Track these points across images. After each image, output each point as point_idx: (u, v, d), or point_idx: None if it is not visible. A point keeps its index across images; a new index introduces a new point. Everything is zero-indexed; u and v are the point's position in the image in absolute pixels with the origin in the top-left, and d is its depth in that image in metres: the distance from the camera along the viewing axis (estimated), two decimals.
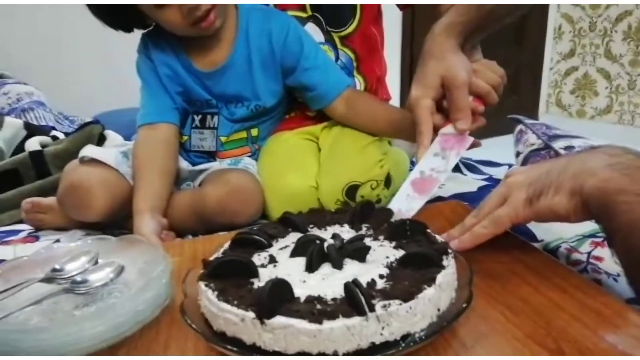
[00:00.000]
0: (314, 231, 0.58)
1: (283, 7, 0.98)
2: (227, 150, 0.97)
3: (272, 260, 0.51)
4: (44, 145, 1.19)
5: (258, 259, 0.51)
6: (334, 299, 0.42)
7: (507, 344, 0.44)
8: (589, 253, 0.67)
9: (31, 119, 1.45)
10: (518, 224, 0.56)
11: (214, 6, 0.82)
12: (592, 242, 0.69)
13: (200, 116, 0.96)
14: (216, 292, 0.44)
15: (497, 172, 1.16)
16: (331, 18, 1.00)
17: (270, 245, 0.55)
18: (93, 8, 0.84)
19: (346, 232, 0.57)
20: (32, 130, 1.28)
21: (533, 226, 0.73)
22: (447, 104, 0.73)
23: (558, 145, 0.88)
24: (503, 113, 1.16)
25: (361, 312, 0.39)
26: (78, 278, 0.54)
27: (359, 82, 1.05)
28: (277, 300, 0.41)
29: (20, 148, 1.22)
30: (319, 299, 0.41)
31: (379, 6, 1.07)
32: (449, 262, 0.48)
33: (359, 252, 0.50)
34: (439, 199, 0.93)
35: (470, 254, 0.53)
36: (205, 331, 0.44)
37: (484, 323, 0.47)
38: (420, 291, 0.42)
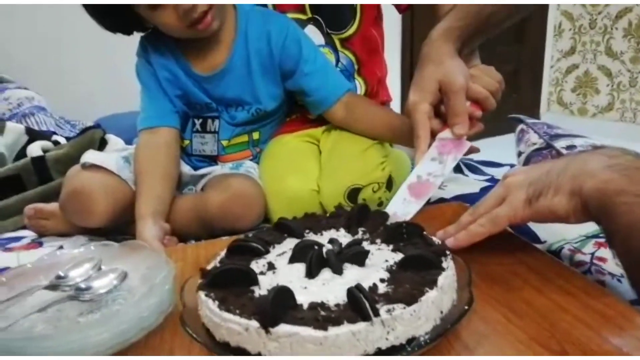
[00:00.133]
0: (310, 236, 0.57)
1: (282, 8, 0.97)
2: (228, 154, 0.97)
3: (271, 267, 0.50)
4: (45, 150, 1.19)
5: (256, 266, 0.51)
6: (337, 305, 0.41)
7: (510, 345, 0.44)
8: (592, 254, 0.67)
9: (32, 124, 1.44)
10: (516, 224, 0.56)
11: (210, 7, 0.81)
12: (595, 243, 0.69)
13: (200, 120, 0.95)
14: (217, 302, 0.43)
15: (499, 173, 1.15)
16: (331, 20, 1.00)
17: (268, 252, 0.54)
18: (90, 10, 0.83)
19: (343, 237, 0.57)
20: (33, 135, 1.28)
21: (536, 227, 0.73)
22: (445, 108, 0.73)
23: (560, 144, 0.88)
24: (504, 112, 1.16)
25: (366, 317, 0.39)
26: (82, 285, 0.54)
27: (360, 85, 1.04)
28: (281, 307, 0.40)
29: (22, 153, 1.22)
30: (322, 305, 0.41)
31: (378, 8, 1.07)
32: (449, 264, 0.48)
33: (358, 257, 0.49)
34: (440, 200, 0.93)
35: (472, 255, 0.53)
36: (207, 342, 0.43)
37: (485, 325, 0.47)
38: (422, 294, 0.42)
